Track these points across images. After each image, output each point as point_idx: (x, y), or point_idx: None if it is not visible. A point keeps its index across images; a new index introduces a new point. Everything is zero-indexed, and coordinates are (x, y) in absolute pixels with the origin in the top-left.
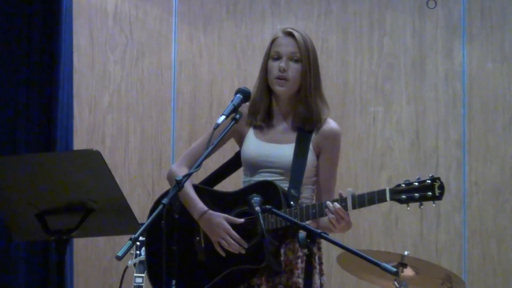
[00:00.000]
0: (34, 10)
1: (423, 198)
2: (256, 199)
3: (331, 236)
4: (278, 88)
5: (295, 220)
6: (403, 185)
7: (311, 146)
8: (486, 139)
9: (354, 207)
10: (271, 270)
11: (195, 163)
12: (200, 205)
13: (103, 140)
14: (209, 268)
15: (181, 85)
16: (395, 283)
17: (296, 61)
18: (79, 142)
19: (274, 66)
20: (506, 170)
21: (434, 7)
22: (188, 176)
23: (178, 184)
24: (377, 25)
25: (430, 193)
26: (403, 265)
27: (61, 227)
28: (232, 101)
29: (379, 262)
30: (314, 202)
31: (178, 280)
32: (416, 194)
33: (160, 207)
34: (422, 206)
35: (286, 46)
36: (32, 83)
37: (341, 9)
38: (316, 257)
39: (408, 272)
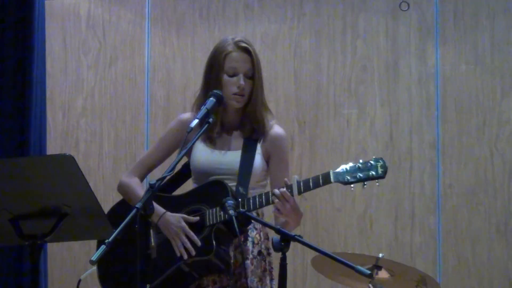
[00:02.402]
0: (7, 15)
1: (366, 178)
2: (230, 202)
3: (305, 238)
4: (236, 104)
5: (270, 223)
6: (347, 167)
7: (259, 151)
8: (460, 141)
9: (299, 192)
10: (220, 262)
11: (146, 172)
12: (158, 208)
13: (76, 145)
14: (159, 264)
15: (155, 89)
16: (370, 285)
17: (250, 77)
18: (53, 147)
19: (231, 82)
20: (480, 172)
21: (407, 10)
22: (161, 180)
23: (152, 188)
24: (350, 28)
25: (373, 173)
26: (378, 267)
27: (35, 232)
28: (205, 105)
29: (354, 265)
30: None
31: (129, 279)
32: (359, 174)
33: (134, 211)
34: (365, 186)
35: (242, 63)
36: (5, 88)
37: (314, 12)
38: (266, 262)
39: (383, 274)
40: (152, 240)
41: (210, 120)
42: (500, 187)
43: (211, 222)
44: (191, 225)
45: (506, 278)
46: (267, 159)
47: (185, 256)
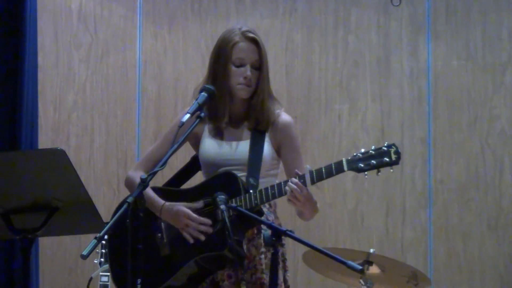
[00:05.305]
0: None
1: (380, 165)
2: (221, 197)
3: (296, 233)
4: (243, 94)
5: (260, 218)
6: (360, 154)
7: (268, 140)
8: (451, 137)
9: (313, 182)
10: (234, 257)
11: (152, 167)
12: (158, 200)
13: (68, 139)
14: (173, 261)
15: (146, 84)
16: (361, 281)
17: (257, 68)
18: (44, 141)
19: (238, 72)
20: (471, 168)
21: (398, 5)
22: (153, 174)
23: (143, 183)
24: (342, 23)
25: (387, 159)
26: (369, 263)
27: (26, 226)
28: (196, 99)
29: (345, 260)
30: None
31: (144, 277)
32: (373, 161)
33: (125, 206)
34: (379, 173)
35: (250, 53)
36: None
37: (306, 7)
38: (279, 254)
39: (374, 270)
40: (165, 236)
41: (202, 114)
42: (491, 182)
43: (223, 216)
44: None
45: (496, 273)
46: (276, 148)
47: (203, 238)
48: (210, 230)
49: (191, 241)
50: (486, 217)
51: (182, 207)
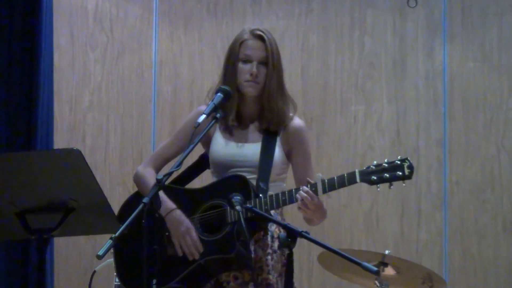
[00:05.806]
0: (14, 9)
1: (393, 178)
2: (236, 198)
3: (312, 235)
4: (250, 90)
5: (276, 219)
6: (373, 166)
7: (279, 144)
8: (467, 139)
9: (324, 191)
10: (242, 261)
11: (162, 164)
12: (169, 202)
13: (83, 139)
14: (179, 261)
15: (162, 84)
16: (376, 282)
17: (264, 64)
18: (60, 141)
19: (245, 69)
20: (487, 169)
21: (415, 6)
22: (168, 175)
23: (159, 183)
24: (358, 24)
25: (400, 173)
26: (384, 264)
27: (42, 226)
28: (212, 100)
29: (360, 261)
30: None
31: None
32: (386, 175)
33: (141, 206)
34: (392, 187)
35: (256, 50)
36: (13, 82)
37: (322, 8)
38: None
39: (389, 271)
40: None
41: (218, 115)
42: (507, 184)
43: (233, 219)
44: (210, 223)
45: (511, 275)
46: (287, 152)
47: (191, 258)
48: (196, 256)
49: (179, 253)
50: (501, 218)
51: (190, 223)
